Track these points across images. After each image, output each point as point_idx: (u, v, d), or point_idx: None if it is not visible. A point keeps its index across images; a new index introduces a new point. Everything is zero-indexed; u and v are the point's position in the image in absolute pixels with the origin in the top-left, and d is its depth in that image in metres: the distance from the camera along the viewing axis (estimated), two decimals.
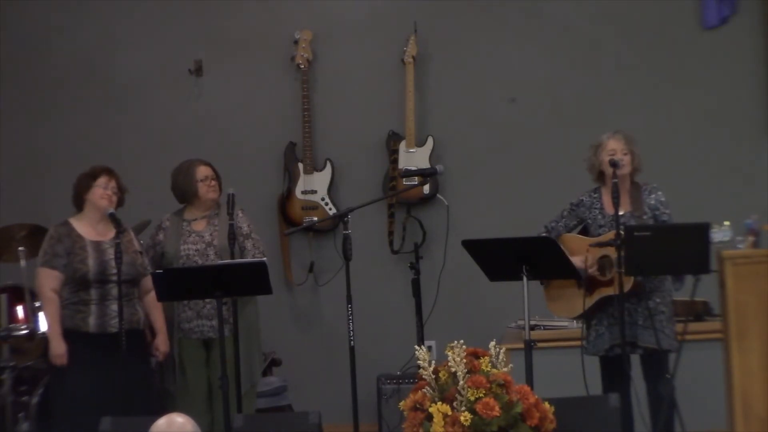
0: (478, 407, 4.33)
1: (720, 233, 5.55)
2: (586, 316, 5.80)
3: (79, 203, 6.10)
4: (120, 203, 6.10)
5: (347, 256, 5.87)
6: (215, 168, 6.39)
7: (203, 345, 6.25)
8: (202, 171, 6.32)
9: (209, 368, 6.21)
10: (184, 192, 6.34)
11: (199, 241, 6.26)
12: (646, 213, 5.78)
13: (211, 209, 6.34)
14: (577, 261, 5.62)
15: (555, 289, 5.86)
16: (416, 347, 4.59)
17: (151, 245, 6.36)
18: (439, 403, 4.38)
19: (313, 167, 7.55)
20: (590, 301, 5.72)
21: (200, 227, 6.30)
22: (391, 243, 7.50)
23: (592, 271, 5.67)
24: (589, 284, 5.71)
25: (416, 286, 6.44)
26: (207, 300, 6.09)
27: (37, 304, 6.46)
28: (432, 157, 7.45)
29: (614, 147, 5.78)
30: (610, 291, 5.64)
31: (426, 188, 7.40)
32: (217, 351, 5.87)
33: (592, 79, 7.48)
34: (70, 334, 5.93)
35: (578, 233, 5.94)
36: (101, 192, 6.02)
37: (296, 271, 7.64)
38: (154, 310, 6.16)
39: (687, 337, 5.61)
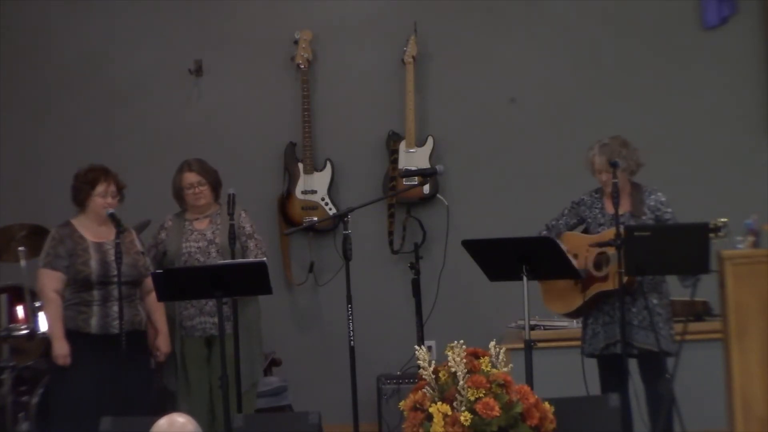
0: (478, 407, 4.33)
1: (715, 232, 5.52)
2: (582, 313, 5.80)
3: (79, 204, 6.10)
4: (120, 201, 6.10)
5: (347, 256, 5.87)
6: (208, 168, 6.34)
7: (205, 343, 6.24)
8: (187, 178, 6.31)
9: (211, 366, 6.20)
10: (176, 198, 6.36)
11: (201, 239, 6.26)
12: (646, 214, 5.78)
13: (204, 213, 6.33)
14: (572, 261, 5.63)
15: (550, 283, 5.86)
16: (416, 347, 4.59)
17: (153, 244, 6.36)
18: (439, 403, 4.38)
19: (313, 167, 7.55)
20: (585, 296, 5.72)
21: (202, 225, 6.30)
22: (391, 243, 7.50)
23: (588, 267, 5.70)
24: (586, 279, 5.71)
25: (416, 286, 6.42)
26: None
27: (37, 304, 6.46)
28: (432, 157, 7.45)
29: (599, 167, 5.77)
30: (604, 287, 5.65)
31: (426, 188, 7.40)
32: (218, 349, 5.88)
33: (592, 79, 7.47)
34: (72, 334, 5.93)
35: (580, 232, 5.95)
36: (101, 201, 6.02)
37: (296, 271, 7.64)
38: (156, 310, 6.16)
39: (687, 337, 5.61)
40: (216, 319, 6.01)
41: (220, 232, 6.23)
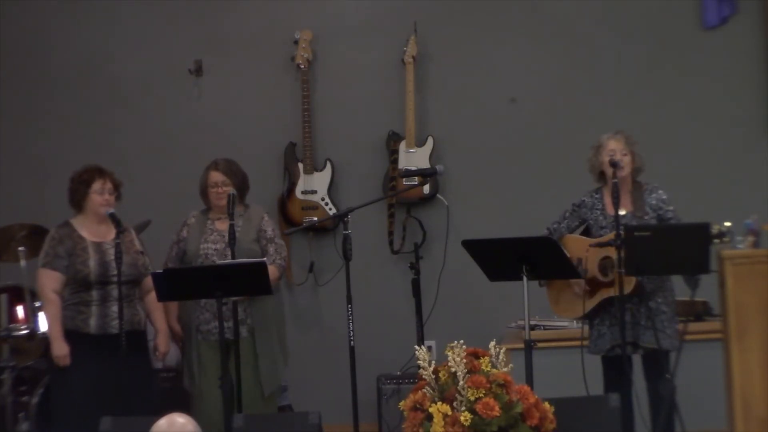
0: (478, 407, 4.33)
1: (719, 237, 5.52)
2: (590, 316, 5.80)
3: (77, 206, 6.10)
4: (117, 198, 6.10)
5: (347, 256, 5.87)
6: (235, 170, 6.32)
7: (219, 344, 6.20)
8: (212, 177, 6.30)
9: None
10: (202, 195, 6.35)
11: (219, 240, 6.24)
12: (648, 213, 5.78)
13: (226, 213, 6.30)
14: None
15: (558, 290, 5.87)
16: (416, 347, 4.59)
17: (175, 241, 6.36)
18: (439, 403, 4.38)
19: (313, 167, 7.55)
20: (592, 303, 5.72)
21: (224, 226, 6.22)
22: (391, 243, 7.50)
23: (591, 272, 5.68)
24: (592, 285, 5.71)
25: (416, 286, 6.44)
26: (224, 301, 6.03)
27: (37, 304, 6.46)
28: (432, 157, 7.45)
29: (614, 147, 5.79)
30: (611, 292, 5.65)
31: (426, 188, 7.40)
32: (236, 352, 5.93)
33: (592, 79, 7.47)
34: (71, 335, 5.93)
35: (581, 234, 5.95)
36: (99, 199, 6.02)
37: (296, 271, 7.64)
38: (155, 310, 6.16)
39: (687, 337, 5.62)
40: (231, 323, 6.00)
41: (241, 234, 6.21)
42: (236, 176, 6.33)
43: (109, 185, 6.06)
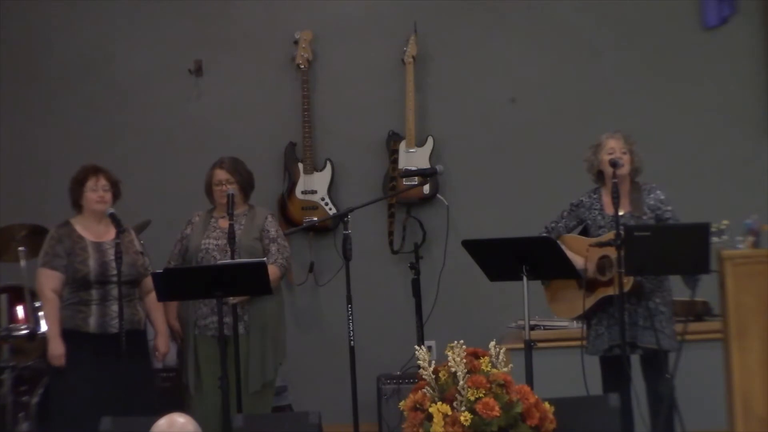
0: (478, 407, 4.33)
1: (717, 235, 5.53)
2: (587, 316, 5.80)
3: (76, 206, 6.11)
4: (116, 197, 6.10)
5: (347, 256, 5.87)
6: (240, 169, 6.32)
7: (218, 342, 6.20)
8: (217, 175, 6.31)
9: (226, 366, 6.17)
10: (207, 193, 6.35)
11: (221, 236, 6.23)
12: (646, 213, 5.77)
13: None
14: (578, 262, 5.62)
15: (556, 289, 5.87)
16: (416, 347, 4.60)
17: (179, 239, 6.36)
18: (439, 403, 4.39)
19: (313, 167, 7.55)
20: (590, 302, 5.72)
21: (226, 224, 6.19)
22: (391, 243, 7.50)
23: (592, 272, 5.68)
24: (590, 284, 5.71)
25: (416, 286, 6.44)
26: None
27: (37, 304, 6.46)
28: (432, 157, 7.45)
29: (613, 146, 5.78)
30: (610, 291, 5.64)
31: (426, 188, 7.40)
32: (232, 348, 5.95)
33: (592, 79, 7.47)
34: (70, 334, 5.93)
35: (579, 234, 5.95)
36: (93, 196, 6.03)
37: (296, 271, 7.63)
38: (155, 310, 6.16)
39: (687, 337, 5.62)
40: (228, 319, 6.00)
41: (243, 232, 6.22)
42: (241, 175, 6.33)
43: (103, 182, 6.06)
